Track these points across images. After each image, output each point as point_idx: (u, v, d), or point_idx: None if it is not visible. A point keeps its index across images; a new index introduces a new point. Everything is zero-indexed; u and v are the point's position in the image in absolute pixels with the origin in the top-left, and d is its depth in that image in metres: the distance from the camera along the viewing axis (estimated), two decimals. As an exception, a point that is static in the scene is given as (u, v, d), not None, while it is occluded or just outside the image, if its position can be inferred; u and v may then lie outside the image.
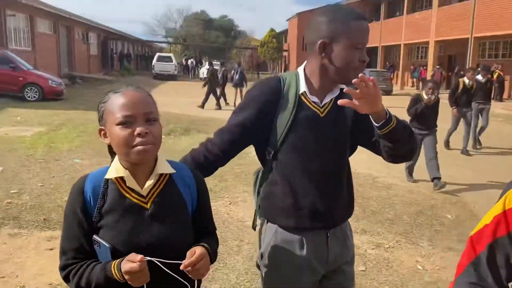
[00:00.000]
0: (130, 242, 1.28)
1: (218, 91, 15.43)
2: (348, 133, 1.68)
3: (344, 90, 1.58)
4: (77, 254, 1.31)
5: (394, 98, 20.61)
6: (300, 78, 1.64)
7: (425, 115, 6.15)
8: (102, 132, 1.34)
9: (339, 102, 1.43)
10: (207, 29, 60.74)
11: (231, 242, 4.11)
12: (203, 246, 1.33)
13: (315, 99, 1.63)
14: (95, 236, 1.30)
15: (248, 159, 7.40)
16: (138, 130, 1.25)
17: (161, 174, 1.37)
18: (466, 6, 22.09)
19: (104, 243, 1.27)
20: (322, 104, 1.63)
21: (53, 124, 10.18)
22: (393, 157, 1.61)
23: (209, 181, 1.51)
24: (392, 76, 28.66)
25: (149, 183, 1.34)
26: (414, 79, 28.82)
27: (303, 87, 1.62)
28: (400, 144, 1.54)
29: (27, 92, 14.62)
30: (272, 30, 39.62)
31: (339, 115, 1.62)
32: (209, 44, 55.80)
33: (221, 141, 1.68)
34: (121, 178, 1.33)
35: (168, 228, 1.33)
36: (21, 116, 11.10)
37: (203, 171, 1.61)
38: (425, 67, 27.48)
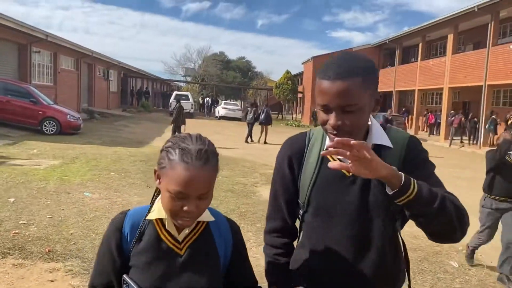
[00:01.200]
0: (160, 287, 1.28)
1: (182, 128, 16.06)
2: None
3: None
4: None
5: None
6: None
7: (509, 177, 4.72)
8: (157, 173, 1.29)
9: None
10: (224, 69, 62.24)
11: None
12: None
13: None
14: (125, 276, 1.29)
15: (254, 198, 7.47)
16: (186, 208, 1.22)
17: (198, 221, 1.35)
18: (480, 54, 22.32)
19: (133, 285, 1.27)
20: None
21: (67, 157, 10.41)
22: (430, 236, 1.35)
23: (211, 219, 1.54)
24: (406, 121, 28.71)
25: (187, 230, 1.34)
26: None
27: (328, 142, 1.43)
28: (425, 220, 1.28)
29: (45, 126, 15.01)
30: (287, 72, 40.31)
31: None
32: (226, 84, 56.96)
33: (281, 224, 1.59)
34: (161, 220, 1.33)
35: (198, 277, 1.31)
36: (37, 149, 11.38)
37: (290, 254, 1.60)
38: (436, 113, 27.61)
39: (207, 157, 1.23)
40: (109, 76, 33.49)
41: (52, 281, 3.78)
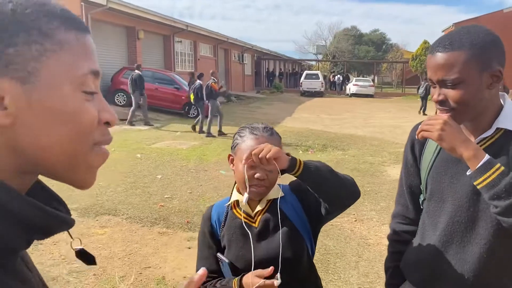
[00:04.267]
0: (243, 257, 1.46)
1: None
2: None
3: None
4: (208, 273, 1.57)
5: None
6: None
7: None
8: (231, 158, 1.54)
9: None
10: (357, 44, 60.36)
11: (350, 257, 4.20)
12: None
13: None
14: (218, 254, 1.52)
15: (381, 177, 7.33)
16: (257, 175, 1.42)
17: (268, 199, 1.53)
18: None
19: (224, 259, 1.48)
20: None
21: (205, 138, 11.37)
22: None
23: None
24: None
25: (259, 207, 1.52)
26: None
27: None
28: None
29: (187, 109, 16.53)
30: (425, 42, 37.40)
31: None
32: (358, 60, 55.33)
33: (403, 209, 1.63)
34: (237, 201, 1.55)
35: (274, 244, 1.46)
36: (180, 131, 12.65)
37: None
38: None
39: (272, 132, 1.50)
40: (243, 60, 35.09)
41: (189, 248, 4.31)
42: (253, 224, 1.50)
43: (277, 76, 42.77)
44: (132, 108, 13.29)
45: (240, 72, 34.68)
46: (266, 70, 42.97)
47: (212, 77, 12.23)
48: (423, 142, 1.50)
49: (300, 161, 1.33)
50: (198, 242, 1.62)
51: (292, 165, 1.31)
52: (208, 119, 11.84)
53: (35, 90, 0.56)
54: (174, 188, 6.53)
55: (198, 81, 12.70)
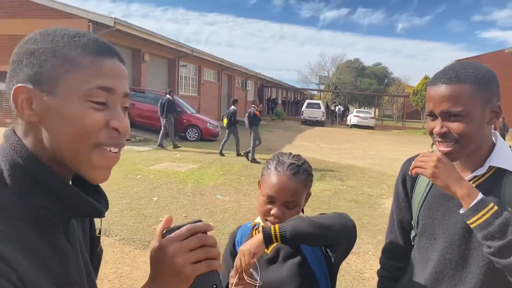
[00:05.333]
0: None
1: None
2: None
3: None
4: None
5: None
6: None
7: None
8: (260, 184, 1.56)
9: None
10: (359, 76, 61.14)
11: (344, 291, 4.12)
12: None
13: None
14: (231, 270, 1.55)
15: (378, 210, 7.27)
16: (273, 211, 1.46)
17: None
18: None
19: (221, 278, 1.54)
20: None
21: (204, 162, 11.34)
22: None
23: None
24: None
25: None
26: None
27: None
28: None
29: (188, 133, 16.58)
30: (426, 77, 37.88)
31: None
32: (359, 92, 55.86)
33: (393, 245, 1.62)
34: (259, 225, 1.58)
35: (280, 273, 1.46)
36: (180, 154, 12.63)
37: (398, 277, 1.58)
38: None
39: (297, 170, 1.47)
40: (246, 86, 35.44)
41: (180, 273, 4.23)
42: (266, 250, 1.49)
43: (280, 104, 43.07)
44: (162, 131, 13.84)
45: (242, 98, 34.94)
46: (268, 97, 43.29)
47: (253, 105, 13.13)
48: (415, 177, 1.48)
49: (275, 232, 1.33)
50: (222, 258, 1.63)
51: (269, 243, 1.34)
52: (251, 146, 12.47)
53: (54, 99, 0.75)
54: (170, 211, 6.46)
55: (232, 106, 13.58)
